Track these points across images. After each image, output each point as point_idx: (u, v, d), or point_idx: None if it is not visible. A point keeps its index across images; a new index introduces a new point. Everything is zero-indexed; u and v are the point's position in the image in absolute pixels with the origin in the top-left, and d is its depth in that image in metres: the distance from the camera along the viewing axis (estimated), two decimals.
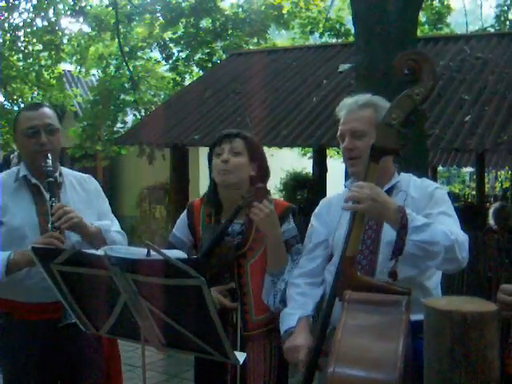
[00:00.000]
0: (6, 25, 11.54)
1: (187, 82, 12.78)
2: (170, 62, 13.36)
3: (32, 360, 2.55)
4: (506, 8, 13.55)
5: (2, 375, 2.64)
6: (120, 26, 12.28)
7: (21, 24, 11.65)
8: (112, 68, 12.99)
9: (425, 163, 4.97)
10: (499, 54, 7.56)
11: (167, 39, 13.20)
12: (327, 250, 2.35)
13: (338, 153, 11.30)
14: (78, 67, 13.19)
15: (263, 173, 2.59)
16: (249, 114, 7.53)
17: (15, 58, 11.96)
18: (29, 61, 11.97)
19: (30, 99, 12.03)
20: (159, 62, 13.60)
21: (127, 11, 12.71)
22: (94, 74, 14.32)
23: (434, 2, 13.75)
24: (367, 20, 4.78)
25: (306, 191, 9.22)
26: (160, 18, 12.93)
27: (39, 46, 12.03)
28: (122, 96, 12.33)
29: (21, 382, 2.57)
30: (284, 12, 13.42)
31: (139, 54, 13.13)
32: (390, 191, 2.21)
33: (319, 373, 2.05)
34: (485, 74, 7.09)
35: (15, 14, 11.62)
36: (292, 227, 2.54)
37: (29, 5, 11.63)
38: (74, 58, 13.00)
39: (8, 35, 11.66)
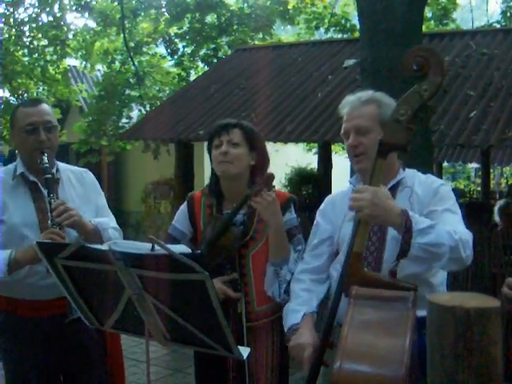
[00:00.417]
0: (12, 20, 11.55)
1: (192, 78, 12.76)
2: (176, 57, 13.35)
3: (35, 356, 2.55)
4: None
5: (4, 371, 2.64)
6: (125, 22, 12.29)
7: (26, 19, 11.67)
8: (117, 63, 12.99)
9: (430, 159, 4.96)
10: (505, 50, 7.52)
11: (172, 34, 13.18)
12: (332, 247, 2.35)
13: (343, 148, 11.27)
14: (84, 62, 13.17)
15: (263, 161, 2.58)
16: (254, 110, 7.52)
17: (20, 53, 11.97)
18: (34, 56, 11.98)
19: (35, 94, 12.02)
20: (164, 57, 13.60)
21: (132, 6, 12.71)
22: (99, 70, 14.31)
23: None
24: (372, 16, 4.77)
25: (311, 187, 9.21)
26: (165, 13, 12.91)
27: (44, 41, 12.01)
28: (127, 91, 12.36)
29: (23, 378, 2.58)
30: (289, 7, 13.36)
31: (144, 49, 13.12)
32: (395, 187, 2.21)
33: (324, 368, 2.05)
34: (490, 70, 7.05)
35: (20, 9, 11.65)
36: (293, 217, 2.54)
37: (34, 0, 11.65)
38: (80, 53, 12.97)
39: (13, 30, 11.67)
